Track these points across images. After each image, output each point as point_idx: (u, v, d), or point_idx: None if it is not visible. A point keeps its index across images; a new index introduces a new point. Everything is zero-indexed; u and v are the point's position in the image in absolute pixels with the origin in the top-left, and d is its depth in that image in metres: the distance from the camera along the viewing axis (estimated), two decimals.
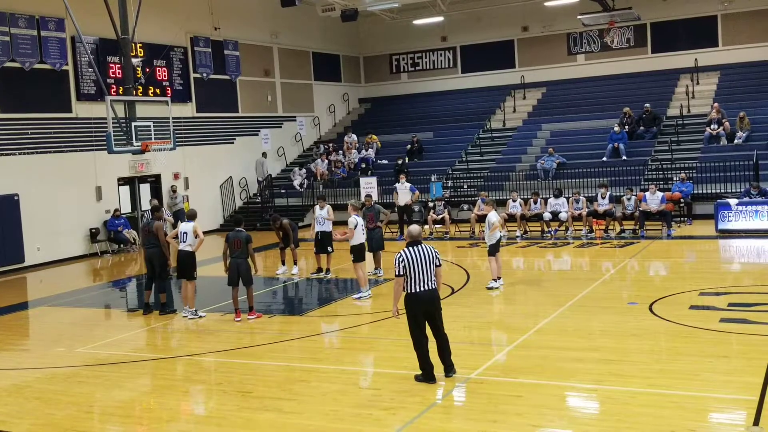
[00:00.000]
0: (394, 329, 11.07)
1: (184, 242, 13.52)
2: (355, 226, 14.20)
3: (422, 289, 8.73)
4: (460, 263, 17.71)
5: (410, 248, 8.83)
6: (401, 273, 8.74)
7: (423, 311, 8.77)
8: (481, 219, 21.98)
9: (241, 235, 13.05)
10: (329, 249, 16.46)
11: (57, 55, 22.13)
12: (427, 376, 8.85)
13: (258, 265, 13.65)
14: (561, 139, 27.67)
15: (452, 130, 30.82)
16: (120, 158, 22.91)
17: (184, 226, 13.70)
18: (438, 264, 8.94)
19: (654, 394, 8.16)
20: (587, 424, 7.64)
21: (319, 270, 16.82)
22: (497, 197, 23.40)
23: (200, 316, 13.43)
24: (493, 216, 14.37)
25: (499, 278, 14.35)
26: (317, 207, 16.66)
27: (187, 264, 13.51)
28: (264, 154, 29.67)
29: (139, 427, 8.45)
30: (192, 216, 13.87)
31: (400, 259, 8.75)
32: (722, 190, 21.75)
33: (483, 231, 21.80)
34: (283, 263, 17.54)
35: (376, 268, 16.06)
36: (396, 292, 8.89)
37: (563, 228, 21.17)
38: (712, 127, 24.92)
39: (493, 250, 14.25)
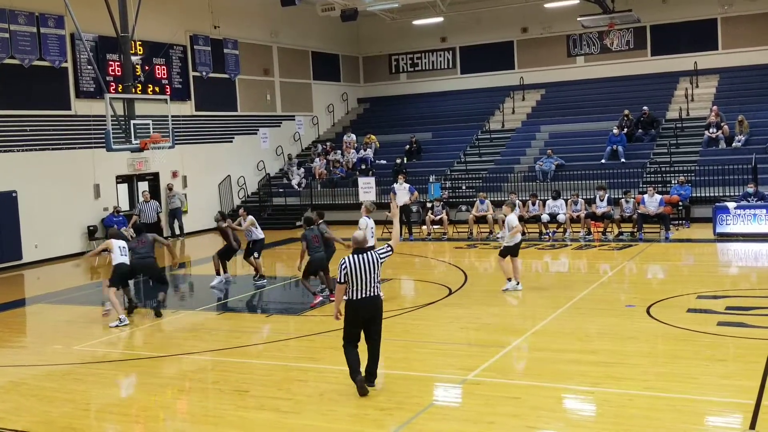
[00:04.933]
0: (391, 330, 11.06)
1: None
2: (364, 228, 13.69)
3: (363, 296, 8.60)
4: (458, 264, 17.69)
5: (354, 256, 8.68)
6: (343, 280, 8.64)
7: (362, 319, 8.64)
8: (480, 220, 22.11)
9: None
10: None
11: (56, 52, 22.11)
12: (354, 377, 8.65)
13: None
14: (560, 140, 27.68)
15: (451, 130, 30.82)
16: (118, 156, 22.89)
17: None
18: (382, 261, 8.76)
19: (651, 397, 8.17)
20: (584, 426, 7.64)
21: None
22: (495, 198, 23.37)
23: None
24: (513, 219, 14.14)
25: (510, 279, 14.09)
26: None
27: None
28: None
29: (135, 426, 8.44)
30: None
31: (343, 267, 8.63)
32: (721, 194, 21.78)
33: (494, 232, 21.84)
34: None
35: None
36: (337, 298, 8.88)
37: (561, 230, 21.18)
38: (710, 130, 24.92)
39: (511, 251, 14.02)
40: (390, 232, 22.57)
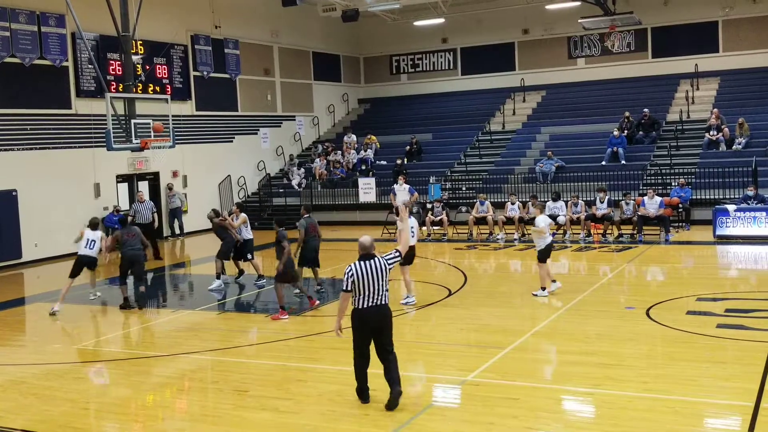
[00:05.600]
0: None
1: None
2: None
3: (370, 305, 8.14)
4: (458, 265, 17.69)
5: (362, 262, 8.19)
6: (349, 288, 8.13)
7: (370, 329, 8.19)
8: (480, 221, 22.10)
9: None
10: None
11: (57, 51, 22.12)
12: (361, 394, 8.40)
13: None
14: (560, 142, 27.69)
15: (451, 131, 30.82)
16: (119, 155, 22.89)
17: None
18: (390, 268, 8.31)
19: (650, 399, 8.18)
20: (583, 427, 7.64)
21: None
22: (495, 200, 23.41)
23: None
24: (541, 221, 13.77)
25: (544, 288, 13.63)
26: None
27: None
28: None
29: (134, 425, 8.44)
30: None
31: (349, 274, 8.12)
32: (721, 196, 21.79)
33: (494, 233, 21.85)
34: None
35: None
36: (341, 307, 8.34)
37: (561, 231, 21.16)
38: (711, 132, 24.94)
39: (543, 256, 13.64)
40: (390, 233, 22.70)
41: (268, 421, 8.13)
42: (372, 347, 8.33)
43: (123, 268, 14.39)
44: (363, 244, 8.36)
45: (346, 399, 8.62)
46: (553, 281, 13.91)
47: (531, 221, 21.13)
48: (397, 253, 8.49)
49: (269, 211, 28.12)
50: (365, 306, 8.15)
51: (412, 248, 13.31)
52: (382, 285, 8.20)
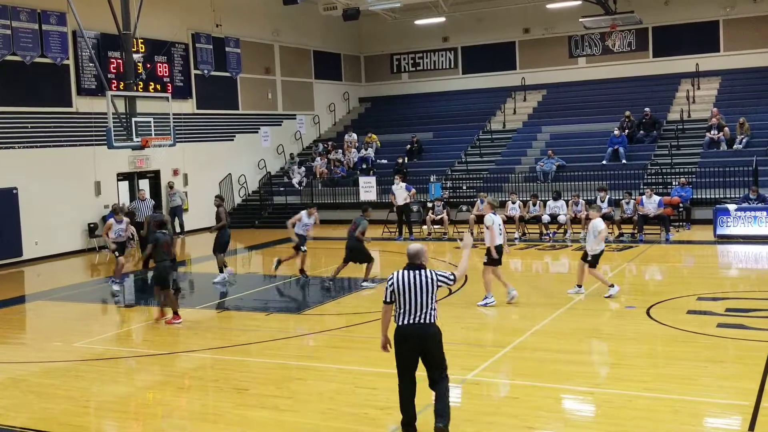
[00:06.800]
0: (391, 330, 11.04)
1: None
2: (491, 225, 12.90)
3: (410, 322, 7.20)
4: (458, 264, 17.65)
5: (406, 272, 7.31)
6: (389, 299, 7.31)
7: (411, 349, 7.20)
8: (480, 220, 22.03)
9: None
10: (303, 249, 16.34)
11: (58, 49, 22.12)
12: (406, 427, 7.34)
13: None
14: (561, 141, 27.68)
15: (452, 130, 30.83)
16: (119, 153, 22.88)
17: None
18: (440, 286, 7.40)
19: (650, 398, 8.18)
20: (583, 426, 7.65)
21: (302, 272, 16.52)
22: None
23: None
24: (600, 223, 13.38)
25: (613, 285, 13.29)
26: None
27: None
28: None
29: (134, 423, 8.45)
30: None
31: (389, 284, 7.31)
32: (721, 196, 21.79)
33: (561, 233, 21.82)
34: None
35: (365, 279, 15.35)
36: (383, 321, 7.46)
37: (562, 231, 21.17)
38: (712, 132, 24.93)
39: (596, 261, 13.34)
40: (391, 232, 22.70)
41: (268, 420, 8.13)
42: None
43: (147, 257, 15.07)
44: (410, 251, 7.44)
45: (346, 398, 8.62)
46: (612, 286, 13.38)
47: (531, 220, 21.30)
48: (452, 276, 7.54)
49: (270, 209, 28.14)
50: (404, 323, 7.22)
51: (498, 247, 13.10)
52: (427, 302, 7.23)
